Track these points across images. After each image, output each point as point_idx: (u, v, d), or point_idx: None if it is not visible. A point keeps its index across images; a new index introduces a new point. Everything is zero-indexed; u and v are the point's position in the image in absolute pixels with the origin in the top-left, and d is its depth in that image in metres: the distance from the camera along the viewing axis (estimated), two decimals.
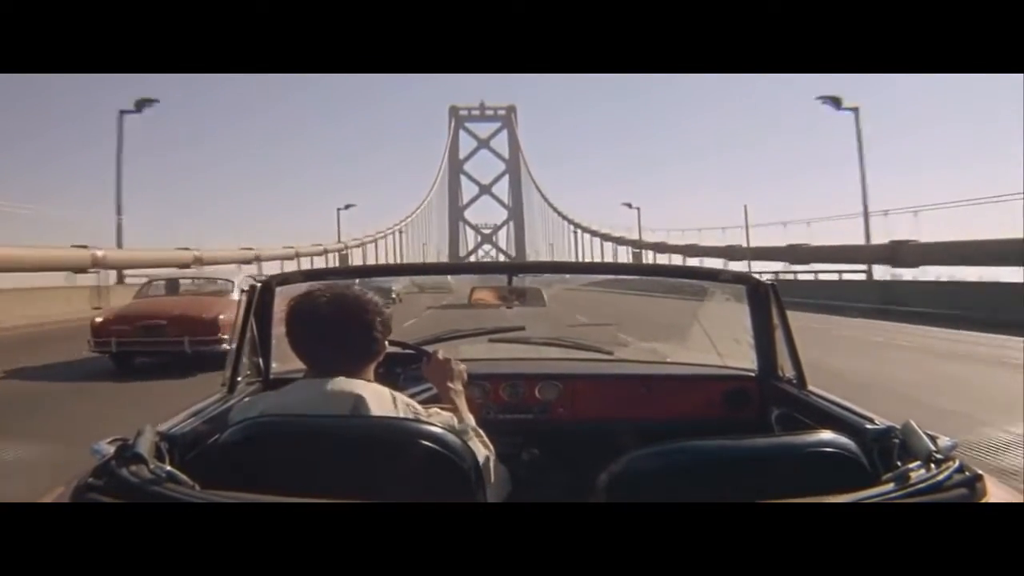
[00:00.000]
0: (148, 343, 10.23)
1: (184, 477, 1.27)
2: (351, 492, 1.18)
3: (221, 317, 10.20)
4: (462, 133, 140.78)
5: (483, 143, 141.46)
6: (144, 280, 13.36)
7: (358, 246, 58.89)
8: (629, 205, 47.55)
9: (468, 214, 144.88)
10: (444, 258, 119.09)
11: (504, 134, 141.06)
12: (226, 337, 9.34)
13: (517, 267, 2.51)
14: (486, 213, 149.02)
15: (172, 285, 12.36)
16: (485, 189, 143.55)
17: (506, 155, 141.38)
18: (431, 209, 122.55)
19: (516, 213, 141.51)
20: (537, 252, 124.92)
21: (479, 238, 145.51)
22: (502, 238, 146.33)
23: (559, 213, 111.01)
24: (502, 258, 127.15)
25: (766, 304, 2.29)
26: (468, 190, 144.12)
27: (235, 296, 10.29)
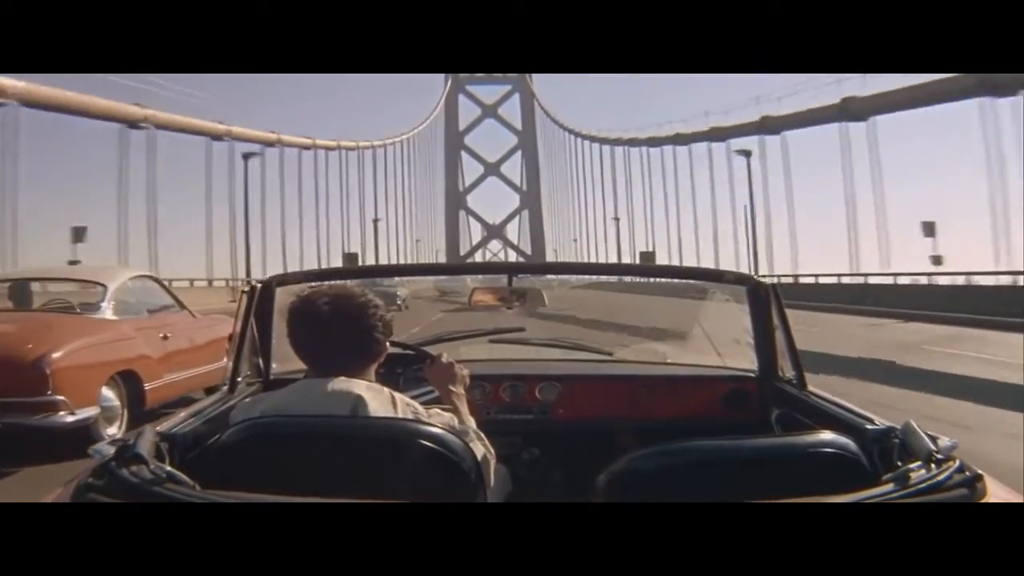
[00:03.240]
0: None
1: (184, 477, 1.26)
2: (351, 492, 1.18)
3: (55, 356, 5.25)
4: (461, 98, 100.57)
5: (489, 110, 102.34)
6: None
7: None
8: None
9: (471, 202, 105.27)
10: (441, 254, 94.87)
11: (516, 99, 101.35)
12: (63, 399, 5.19)
13: (516, 267, 2.51)
14: (492, 204, 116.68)
15: (19, 292, 6.70)
16: (492, 169, 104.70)
17: (519, 125, 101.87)
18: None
19: (532, 199, 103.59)
20: (584, 236, 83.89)
21: (485, 232, 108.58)
22: (513, 231, 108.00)
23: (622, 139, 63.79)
24: (514, 257, 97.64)
25: (766, 305, 2.29)
26: (470, 172, 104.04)
27: (107, 314, 6.04)
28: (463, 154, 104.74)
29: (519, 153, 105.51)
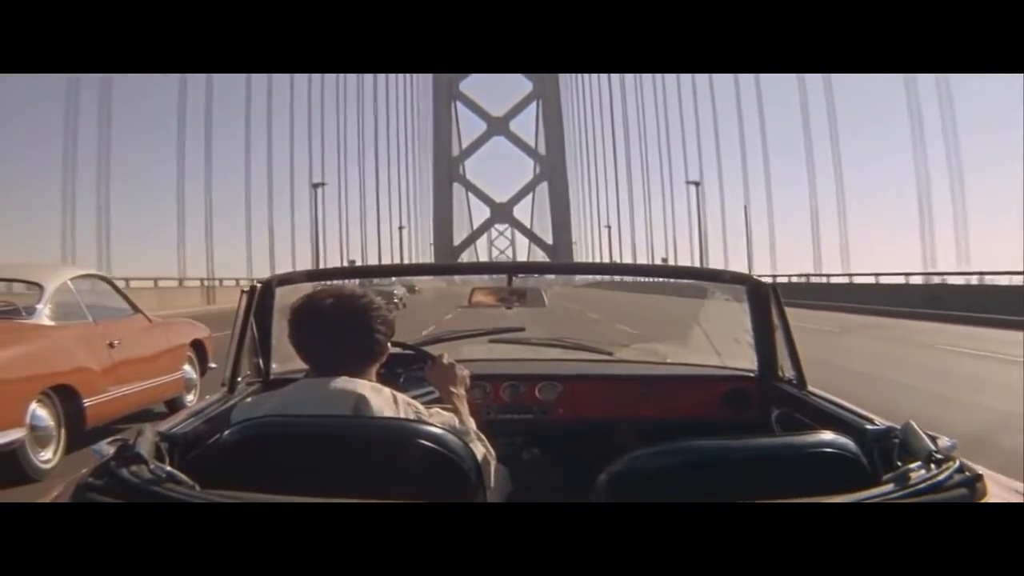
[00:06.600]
0: None
1: (184, 477, 1.27)
2: (352, 492, 1.18)
3: None
4: None
5: None
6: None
7: None
8: None
9: (469, 171, 78.36)
10: (416, 239, 72.70)
11: None
12: None
13: (516, 267, 2.52)
14: (497, 175, 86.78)
15: None
16: (498, 126, 76.11)
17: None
18: None
19: (553, 166, 75.04)
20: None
21: (489, 212, 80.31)
22: (525, 212, 79.92)
23: None
24: (526, 254, 74.14)
25: (766, 304, 2.29)
26: (468, 130, 76.54)
27: (42, 319, 5.16)
28: (458, 104, 75.90)
29: (535, 104, 75.69)
